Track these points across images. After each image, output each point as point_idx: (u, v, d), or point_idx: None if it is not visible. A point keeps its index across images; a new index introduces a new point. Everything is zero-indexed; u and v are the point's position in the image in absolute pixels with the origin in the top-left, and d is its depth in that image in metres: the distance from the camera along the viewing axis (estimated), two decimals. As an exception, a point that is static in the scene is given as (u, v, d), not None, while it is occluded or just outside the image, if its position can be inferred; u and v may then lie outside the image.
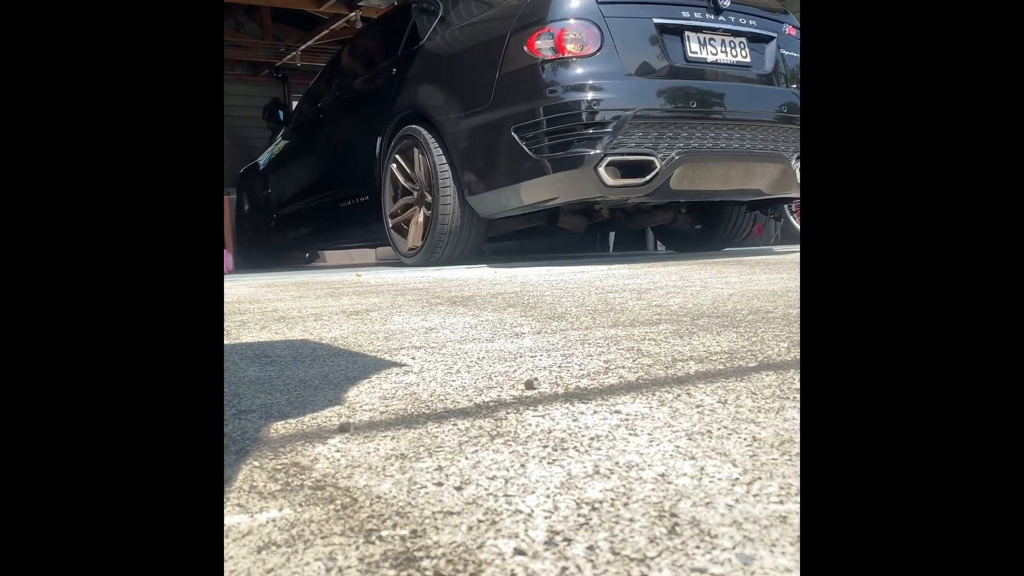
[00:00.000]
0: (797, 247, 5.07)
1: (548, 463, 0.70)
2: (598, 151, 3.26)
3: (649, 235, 6.63)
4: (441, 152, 3.79)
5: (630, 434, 0.78)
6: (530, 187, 3.42)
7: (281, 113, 6.33)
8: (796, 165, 3.76)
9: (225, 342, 1.57)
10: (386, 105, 4.34)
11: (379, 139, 4.35)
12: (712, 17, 3.63)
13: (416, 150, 3.99)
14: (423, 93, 4.06)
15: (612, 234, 6.82)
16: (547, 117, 3.33)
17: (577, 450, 0.74)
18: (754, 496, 0.60)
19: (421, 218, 4.00)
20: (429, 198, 3.90)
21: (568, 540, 0.53)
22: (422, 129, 3.92)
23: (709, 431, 0.78)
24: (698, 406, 0.88)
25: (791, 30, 3.96)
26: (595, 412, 0.88)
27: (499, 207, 3.66)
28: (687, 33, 3.56)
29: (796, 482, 0.63)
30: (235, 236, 7.01)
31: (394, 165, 4.15)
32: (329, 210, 5.16)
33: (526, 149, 3.35)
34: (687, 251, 5.27)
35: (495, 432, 0.81)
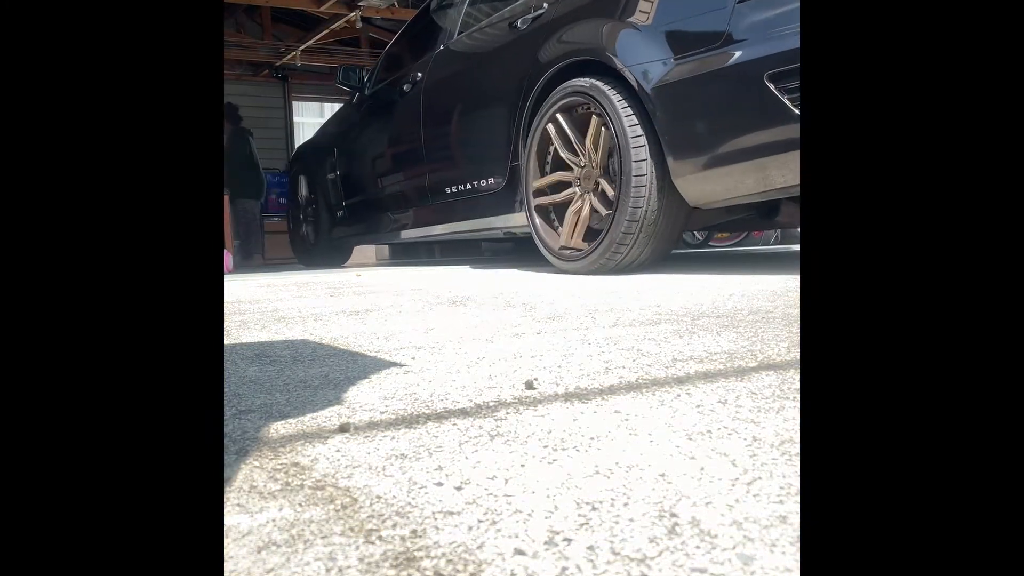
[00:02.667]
0: (797, 247, 5.07)
1: (548, 463, 0.70)
2: None
3: None
4: (631, 113, 2.59)
5: (630, 434, 0.78)
6: (787, 162, 2.25)
7: (359, 76, 4.95)
8: None
9: (225, 342, 1.57)
10: (532, 51, 3.09)
11: (519, 100, 3.13)
12: None
13: (585, 112, 2.84)
14: (602, 31, 2.77)
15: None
16: None
17: (577, 450, 0.74)
18: (754, 496, 0.60)
19: (587, 209, 2.81)
20: (603, 182, 2.74)
21: (568, 540, 0.53)
22: (600, 83, 2.70)
23: (709, 431, 0.78)
24: (698, 406, 0.88)
25: None
26: (595, 412, 0.88)
27: (727, 192, 2.47)
28: None
29: (796, 482, 0.63)
30: (290, 230, 5.98)
31: (551, 127, 2.92)
32: (426, 196, 3.93)
33: (790, 105, 2.18)
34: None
35: (495, 432, 0.81)
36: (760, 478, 0.64)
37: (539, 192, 3.04)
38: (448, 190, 3.73)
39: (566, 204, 2.93)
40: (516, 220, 3.33)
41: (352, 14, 7.62)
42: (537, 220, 3.06)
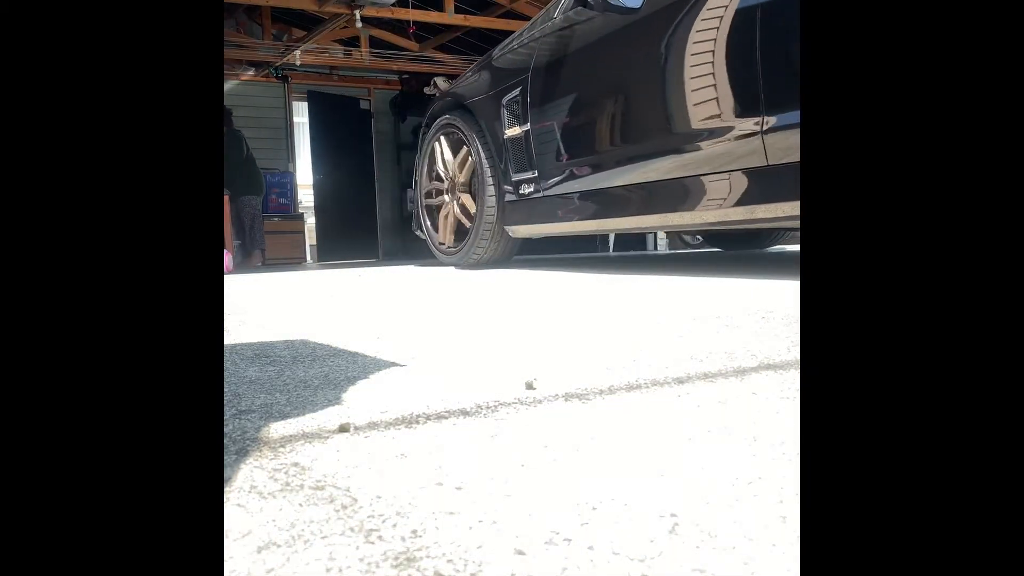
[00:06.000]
0: (797, 247, 5.08)
1: (548, 463, 0.70)
2: None
3: (649, 235, 6.48)
4: None
5: (630, 434, 0.78)
6: None
7: None
8: None
9: (225, 342, 1.57)
10: None
11: None
12: None
13: None
14: None
15: (612, 234, 6.74)
16: None
17: (577, 450, 0.74)
18: (754, 496, 0.60)
19: None
20: None
21: (568, 540, 0.53)
22: None
23: (709, 431, 0.78)
24: (698, 406, 0.88)
25: None
26: (595, 412, 0.88)
27: None
28: None
29: (796, 482, 0.63)
30: (426, 220, 4.39)
31: None
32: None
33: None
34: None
35: (495, 432, 0.81)
36: (760, 478, 0.64)
37: None
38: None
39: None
40: None
41: (352, 14, 7.61)
42: None
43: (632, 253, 6.15)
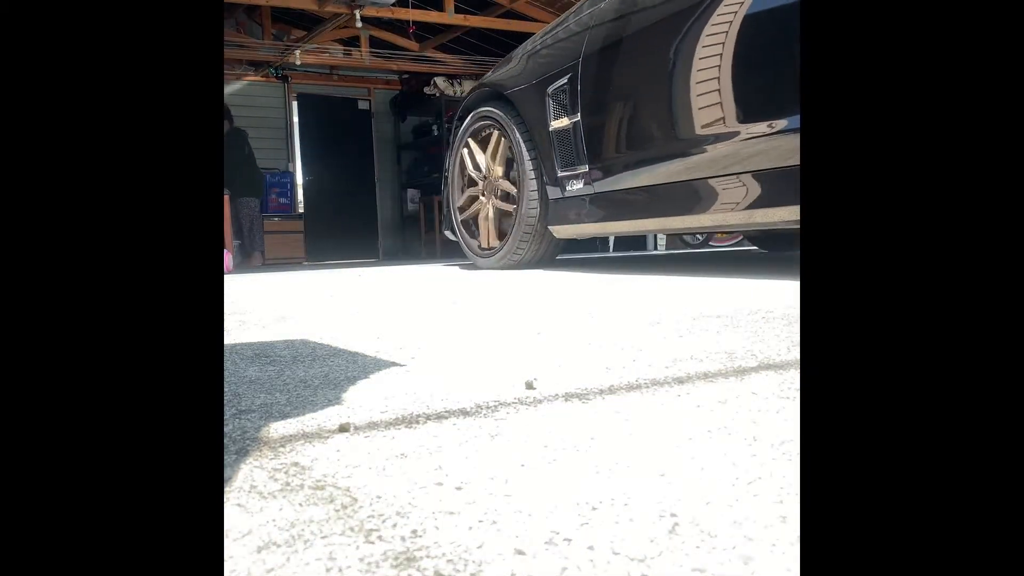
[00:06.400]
0: (797, 247, 5.08)
1: (548, 463, 0.70)
2: None
3: (649, 235, 6.44)
4: None
5: (630, 434, 0.78)
6: None
7: None
8: None
9: (225, 342, 1.57)
10: None
11: None
12: None
13: None
14: None
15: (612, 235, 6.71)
16: None
17: (577, 450, 0.74)
18: (754, 496, 0.60)
19: None
20: None
21: (568, 540, 0.53)
22: None
23: (709, 431, 0.78)
24: (698, 406, 0.88)
25: None
26: (595, 412, 0.88)
27: None
28: None
29: (796, 482, 0.63)
30: (458, 217, 4.08)
31: None
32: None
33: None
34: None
35: (495, 432, 0.81)
36: (760, 478, 0.64)
37: None
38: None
39: None
40: None
41: (352, 13, 7.61)
42: None
43: (632, 253, 6.16)
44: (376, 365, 1.24)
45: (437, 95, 9.84)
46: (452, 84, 9.88)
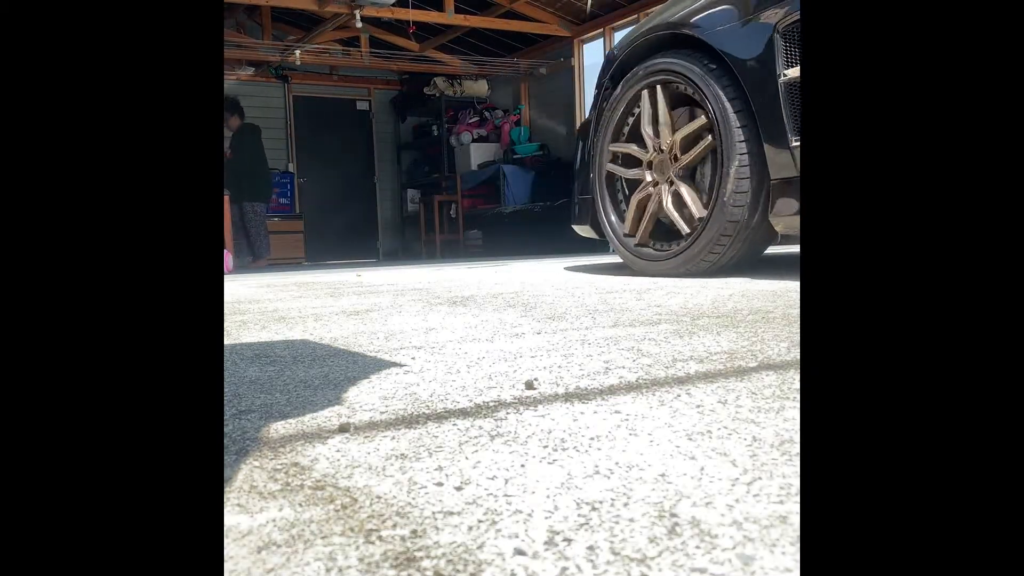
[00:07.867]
0: (797, 247, 5.07)
1: (548, 463, 0.70)
2: None
3: None
4: None
5: (630, 434, 0.78)
6: None
7: None
8: None
9: (225, 342, 1.57)
10: None
11: None
12: None
13: None
14: None
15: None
16: None
17: (577, 450, 0.74)
18: (754, 496, 0.60)
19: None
20: None
21: (568, 540, 0.53)
22: None
23: (709, 431, 0.78)
24: (698, 406, 0.88)
25: None
26: (595, 412, 0.88)
27: None
28: None
29: (796, 482, 0.63)
30: (607, 200, 3.17)
31: None
32: None
33: None
34: None
35: (495, 432, 0.81)
36: (760, 478, 0.64)
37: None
38: None
39: None
40: None
41: (352, 13, 7.61)
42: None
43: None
44: (376, 365, 1.24)
45: (437, 95, 9.85)
46: (452, 84, 9.88)
